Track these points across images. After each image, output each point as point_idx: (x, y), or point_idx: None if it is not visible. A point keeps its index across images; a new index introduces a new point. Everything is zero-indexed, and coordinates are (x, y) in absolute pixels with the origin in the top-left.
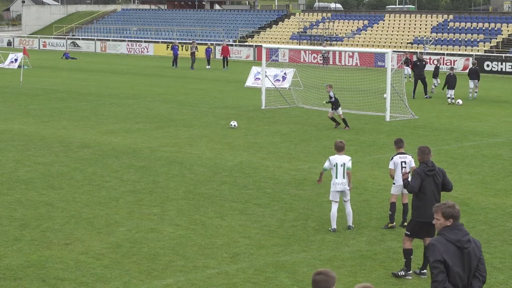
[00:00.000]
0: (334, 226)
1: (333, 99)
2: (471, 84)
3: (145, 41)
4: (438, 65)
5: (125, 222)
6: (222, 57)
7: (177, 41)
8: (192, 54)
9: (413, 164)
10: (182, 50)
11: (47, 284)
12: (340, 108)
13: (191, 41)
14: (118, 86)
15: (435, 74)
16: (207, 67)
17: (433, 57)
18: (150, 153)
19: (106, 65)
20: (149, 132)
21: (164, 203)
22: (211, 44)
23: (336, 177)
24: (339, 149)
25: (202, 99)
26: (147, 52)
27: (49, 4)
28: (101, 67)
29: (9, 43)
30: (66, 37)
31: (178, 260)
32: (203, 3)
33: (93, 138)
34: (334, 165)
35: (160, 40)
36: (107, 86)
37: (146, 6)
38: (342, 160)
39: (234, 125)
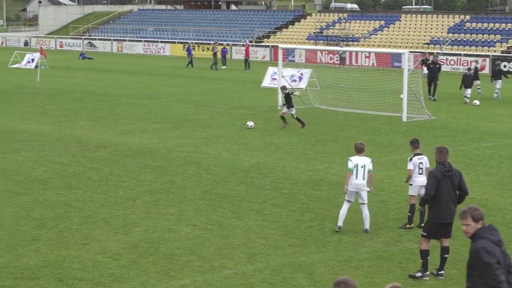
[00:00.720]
0: (340, 224)
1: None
2: (497, 84)
3: (161, 42)
4: (497, 68)
5: (142, 222)
6: (244, 58)
7: (192, 41)
8: (215, 54)
9: (429, 165)
10: (198, 50)
11: (65, 284)
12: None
13: (213, 42)
14: (134, 86)
15: (495, 75)
16: (223, 67)
17: (449, 57)
18: (166, 153)
19: (122, 65)
20: (165, 132)
21: (181, 203)
22: (227, 44)
23: (356, 178)
24: (360, 150)
25: (218, 99)
26: (164, 52)
27: (65, 4)
28: (117, 67)
29: (26, 43)
30: (83, 37)
31: (195, 260)
32: (220, 3)
33: (109, 138)
34: (354, 166)
35: (176, 41)
36: (124, 86)
37: (163, 7)
38: (363, 161)
39: (251, 126)
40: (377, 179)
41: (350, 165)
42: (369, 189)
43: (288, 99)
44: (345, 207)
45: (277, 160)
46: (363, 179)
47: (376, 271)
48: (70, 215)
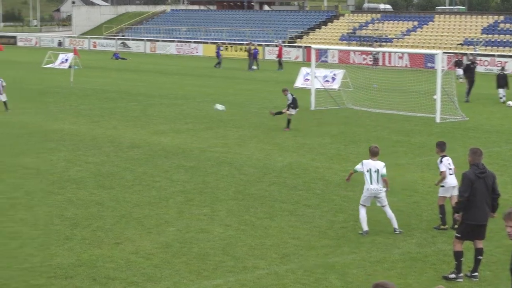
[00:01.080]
0: (366, 228)
1: (290, 101)
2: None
3: (194, 42)
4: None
5: (175, 222)
6: (278, 59)
7: (221, 42)
8: (250, 55)
9: (453, 166)
10: (231, 51)
11: (98, 283)
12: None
13: (247, 42)
14: (167, 87)
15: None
16: (254, 67)
17: (483, 58)
18: (199, 153)
19: (155, 65)
20: (198, 133)
21: (214, 204)
22: (259, 45)
23: (371, 183)
24: (375, 154)
25: (251, 99)
26: (196, 52)
27: (99, 4)
28: (150, 68)
29: (59, 44)
30: (116, 37)
31: (228, 260)
32: (252, 3)
33: (143, 138)
34: (367, 171)
35: (209, 41)
36: (157, 87)
37: (196, 7)
38: (376, 166)
39: (221, 109)
40: (411, 181)
41: (359, 167)
42: (385, 189)
43: (295, 101)
44: (363, 212)
45: (310, 161)
46: (378, 184)
47: (409, 272)
48: (104, 215)
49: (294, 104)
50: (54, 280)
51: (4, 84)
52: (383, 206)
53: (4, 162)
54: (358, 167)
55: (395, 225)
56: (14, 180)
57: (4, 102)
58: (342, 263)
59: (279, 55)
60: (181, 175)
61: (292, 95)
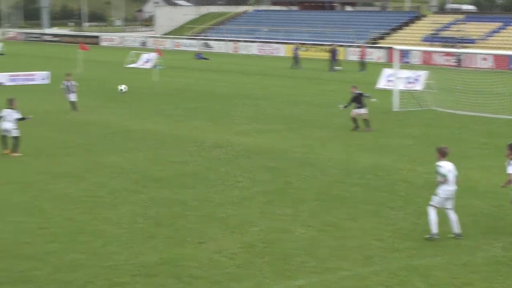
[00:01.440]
0: (435, 230)
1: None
2: None
3: (275, 42)
4: None
5: (258, 222)
6: (360, 60)
7: (299, 42)
8: (334, 56)
9: None
10: (312, 51)
11: (181, 282)
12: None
13: (330, 43)
14: (249, 87)
15: None
16: (339, 68)
17: None
18: (282, 154)
19: (237, 65)
20: (280, 133)
21: (296, 204)
22: (340, 45)
23: (449, 184)
24: (445, 155)
25: (333, 100)
26: (278, 53)
27: (181, 5)
28: (232, 68)
29: (142, 44)
30: (198, 37)
31: (310, 261)
32: (334, 4)
33: (225, 138)
34: (449, 171)
35: (290, 41)
36: (239, 87)
37: (277, 7)
38: (451, 167)
39: (122, 89)
40: (495, 183)
41: (443, 170)
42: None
43: (358, 100)
44: (433, 214)
45: (392, 162)
46: (454, 185)
47: (495, 276)
48: (187, 214)
49: (356, 102)
50: (138, 278)
51: (76, 84)
52: (449, 209)
53: (89, 161)
54: (443, 171)
55: (459, 229)
56: (98, 179)
57: (73, 102)
58: (426, 266)
59: (362, 56)
60: (264, 175)
61: (357, 92)
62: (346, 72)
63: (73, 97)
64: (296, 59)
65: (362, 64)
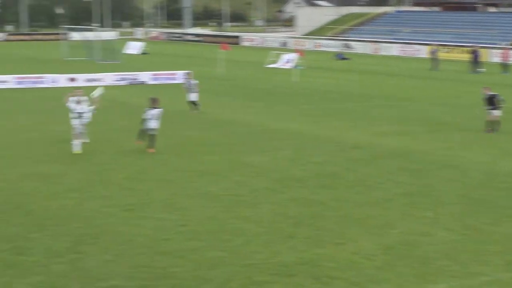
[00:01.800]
0: None
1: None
2: None
3: (417, 43)
4: None
5: (397, 224)
6: (503, 62)
7: (436, 43)
8: (476, 57)
9: None
10: (453, 53)
11: (320, 282)
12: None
13: (471, 45)
14: (389, 88)
15: None
16: (482, 70)
17: None
18: (423, 156)
19: (378, 66)
20: (421, 135)
21: (437, 207)
22: (482, 47)
23: None
24: None
25: (475, 102)
26: (419, 54)
27: (321, 5)
28: (373, 69)
29: (283, 44)
30: (339, 38)
31: (451, 265)
32: (477, 5)
33: (365, 139)
34: None
35: (432, 43)
36: (379, 88)
37: (419, 8)
38: None
39: (98, 94)
40: None
41: None
42: None
43: (491, 101)
44: None
45: None
46: None
47: None
48: (326, 214)
49: (490, 103)
50: (277, 277)
51: (196, 82)
52: None
53: (230, 159)
54: None
55: None
56: (240, 178)
57: (193, 102)
58: None
59: (505, 58)
60: (405, 177)
61: (490, 94)
62: (488, 74)
63: (193, 96)
64: (435, 61)
65: (505, 66)
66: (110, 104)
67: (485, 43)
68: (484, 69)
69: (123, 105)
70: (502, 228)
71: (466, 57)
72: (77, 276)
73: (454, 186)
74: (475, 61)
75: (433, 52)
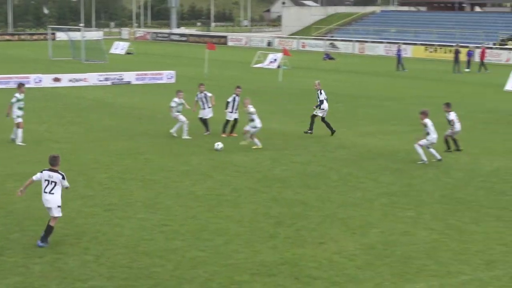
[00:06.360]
0: None
1: None
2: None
3: (403, 43)
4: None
5: (379, 224)
6: (480, 61)
7: (401, 42)
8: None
9: None
10: (439, 52)
11: (300, 282)
12: None
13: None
14: (375, 88)
15: None
16: (466, 70)
17: None
18: (406, 155)
19: (363, 66)
20: (405, 134)
21: (418, 206)
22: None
23: None
24: None
25: (459, 102)
26: (405, 54)
27: (308, 5)
28: (358, 69)
29: (268, 44)
30: (325, 38)
31: (431, 264)
32: (463, 5)
33: (349, 139)
34: None
35: (418, 42)
36: (364, 88)
37: (405, 8)
38: None
39: (219, 147)
40: None
41: None
42: None
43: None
44: None
45: None
46: None
47: None
48: (308, 214)
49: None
50: (257, 277)
51: (212, 96)
52: None
53: (214, 160)
54: None
55: None
56: (223, 178)
57: (205, 121)
58: None
59: (482, 57)
60: (387, 177)
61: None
62: (473, 74)
63: (207, 113)
64: (399, 60)
65: (481, 65)
66: (94, 104)
67: (471, 43)
68: (469, 69)
69: (107, 105)
70: (482, 228)
71: (450, 57)
72: (56, 277)
73: (436, 185)
74: (458, 61)
75: (398, 52)
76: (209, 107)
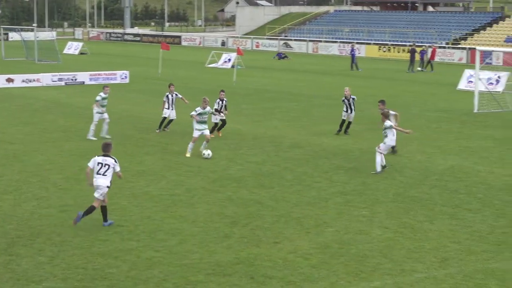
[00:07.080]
0: None
1: None
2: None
3: (357, 43)
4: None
5: (334, 223)
6: (428, 60)
7: (355, 41)
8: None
9: None
10: (393, 52)
11: (255, 282)
12: None
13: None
14: (329, 87)
15: None
16: (418, 69)
17: None
18: (360, 154)
19: (317, 66)
20: (360, 134)
21: (373, 205)
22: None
23: None
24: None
25: (413, 101)
26: (359, 53)
27: (262, 5)
28: (312, 68)
29: (222, 43)
30: (279, 37)
31: (386, 262)
32: (416, 4)
33: (304, 138)
34: None
35: (372, 42)
36: (319, 87)
37: (359, 8)
38: None
39: (210, 156)
40: None
41: None
42: None
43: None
44: None
45: (472, 164)
46: None
47: None
48: (263, 214)
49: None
50: (212, 277)
51: (182, 98)
52: None
53: (168, 160)
54: None
55: None
56: (177, 178)
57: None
58: (503, 269)
59: (432, 57)
60: (341, 176)
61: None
62: (426, 73)
63: (173, 114)
64: (353, 60)
65: (429, 63)
66: (48, 104)
67: (424, 42)
68: (424, 69)
69: (61, 106)
70: (436, 226)
71: (405, 56)
72: (9, 278)
73: (390, 184)
74: (413, 60)
75: (351, 51)
76: (173, 109)
